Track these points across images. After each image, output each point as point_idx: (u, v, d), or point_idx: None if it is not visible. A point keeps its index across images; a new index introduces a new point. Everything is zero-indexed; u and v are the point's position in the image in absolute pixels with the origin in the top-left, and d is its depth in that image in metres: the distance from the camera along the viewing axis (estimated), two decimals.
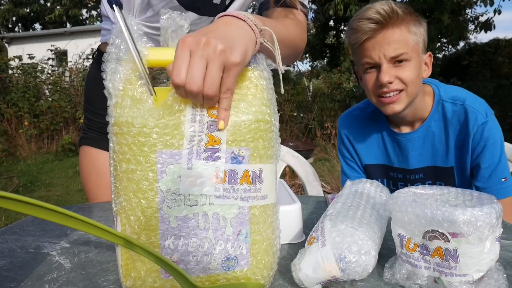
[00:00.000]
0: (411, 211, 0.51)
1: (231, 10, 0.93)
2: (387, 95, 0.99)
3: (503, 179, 1.03)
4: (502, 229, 0.51)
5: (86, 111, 1.14)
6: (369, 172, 1.20)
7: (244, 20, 0.54)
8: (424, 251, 0.51)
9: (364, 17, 0.97)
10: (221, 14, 0.56)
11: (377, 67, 0.99)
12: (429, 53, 1.05)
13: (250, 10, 1.06)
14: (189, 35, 0.48)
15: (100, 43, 1.10)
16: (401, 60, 0.97)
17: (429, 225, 0.49)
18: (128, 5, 0.91)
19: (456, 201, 0.53)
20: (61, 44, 9.75)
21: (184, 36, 0.47)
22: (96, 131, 1.08)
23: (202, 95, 0.46)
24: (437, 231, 0.49)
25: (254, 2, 0.97)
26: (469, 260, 0.49)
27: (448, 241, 0.49)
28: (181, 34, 0.49)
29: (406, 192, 0.56)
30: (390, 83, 0.97)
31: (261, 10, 0.93)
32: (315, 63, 11.73)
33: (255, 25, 0.54)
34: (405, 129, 1.11)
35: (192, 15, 0.90)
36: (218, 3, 0.87)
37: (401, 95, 0.99)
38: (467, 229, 0.48)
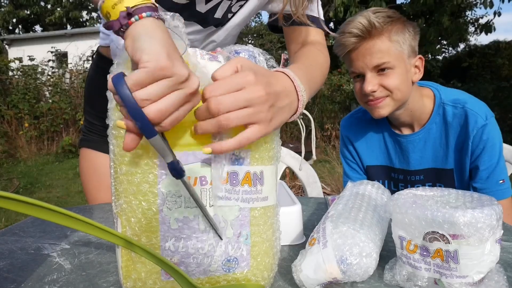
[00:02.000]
0: (411, 213, 0.51)
1: (232, 24, 0.92)
2: (372, 98, 1.03)
3: (501, 181, 1.04)
4: (502, 231, 0.51)
5: (86, 113, 1.14)
6: (371, 173, 1.20)
7: (297, 92, 0.56)
8: (425, 253, 0.51)
9: (345, 31, 1.02)
10: (282, 70, 0.57)
11: (362, 76, 1.04)
12: (419, 56, 1.07)
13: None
14: (262, 80, 0.47)
15: (99, 45, 1.10)
16: (384, 69, 1.01)
17: (430, 227, 0.49)
18: None
19: (456, 203, 0.53)
20: (61, 46, 9.76)
21: (259, 78, 0.47)
22: (96, 134, 1.08)
23: (219, 130, 0.45)
24: (438, 232, 0.49)
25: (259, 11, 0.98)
26: (470, 261, 0.49)
27: (449, 242, 0.49)
28: (178, 34, 0.49)
29: (406, 194, 0.56)
30: (374, 91, 1.01)
31: (270, 18, 0.95)
32: None
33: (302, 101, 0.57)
34: (406, 131, 1.13)
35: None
36: (203, 11, 0.86)
37: (386, 99, 1.03)
38: (467, 230, 0.47)
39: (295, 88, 0.56)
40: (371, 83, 1.01)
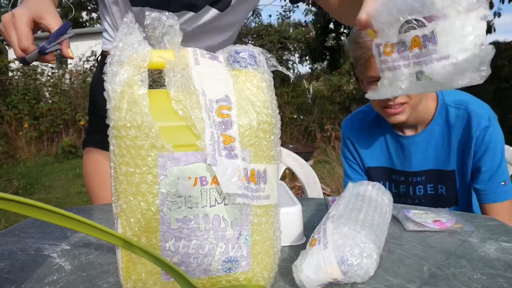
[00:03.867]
0: (383, 10, 0.48)
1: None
2: (392, 107, 1.01)
3: (503, 183, 1.04)
4: (488, 11, 0.47)
5: (90, 113, 1.15)
6: (372, 175, 1.20)
7: None
8: (402, 48, 0.49)
9: None
10: None
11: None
12: None
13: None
14: None
15: (102, 47, 1.12)
16: None
17: (405, 16, 0.47)
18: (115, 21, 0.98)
19: None
20: None
21: None
22: (100, 133, 1.09)
23: None
24: (412, 20, 0.46)
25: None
26: (449, 37, 0.45)
27: (424, 25, 0.46)
28: (173, 34, 0.49)
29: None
30: (396, 97, 0.99)
31: None
32: (315, 66, 11.75)
33: None
34: (409, 132, 1.12)
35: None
36: None
37: (405, 107, 1.01)
38: (441, 4, 0.44)
39: None
40: None
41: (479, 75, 0.48)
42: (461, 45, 0.45)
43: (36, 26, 0.80)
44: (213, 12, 0.96)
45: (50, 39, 0.79)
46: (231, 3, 0.95)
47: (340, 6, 0.88)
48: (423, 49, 0.46)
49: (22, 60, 0.79)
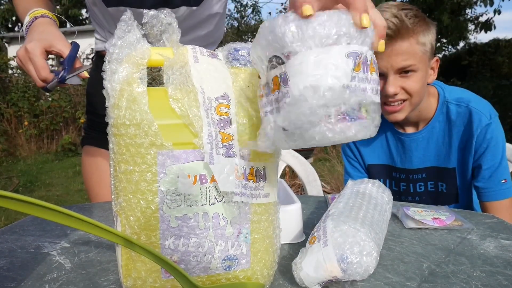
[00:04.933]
0: (253, 45, 0.43)
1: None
2: (391, 104, 1.00)
3: (503, 181, 1.04)
4: (367, 50, 0.40)
5: (88, 112, 1.16)
6: (372, 172, 1.20)
7: None
8: (268, 89, 0.42)
9: None
10: None
11: (384, 75, 1.00)
12: (436, 57, 1.05)
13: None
14: None
15: (95, 47, 1.13)
16: (408, 71, 0.98)
17: (270, 51, 0.41)
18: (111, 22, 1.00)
19: None
20: None
21: None
22: (98, 131, 1.09)
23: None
24: (274, 56, 0.40)
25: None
26: (298, 77, 0.37)
27: (283, 62, 0.39)
28: (172, 32, 0.49)
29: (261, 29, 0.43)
30: (396, 94, 0.98)
31: None
32: None
33: None
34: (409, 129, 1.12)
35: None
36: None
37: (405, 104, 1.01)
38: (290, 37, 0.38)
39: None
40: (394, 85, 0.98)
41: (351, 128, 0.39)
42: (314, 86, 0.37)
43: (48, 53, 0.86)
44: (187, 8, 0.96)
45: (64, 64, 0.86)
46: None
47: None
48: (279, 92, 0.39)
49: (44, 88, 0.86)
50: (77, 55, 0.88)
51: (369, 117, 0.40)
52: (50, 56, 0.87)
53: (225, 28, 1.13)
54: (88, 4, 1.00)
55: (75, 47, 0.88)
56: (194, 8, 0.97)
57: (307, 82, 0.37)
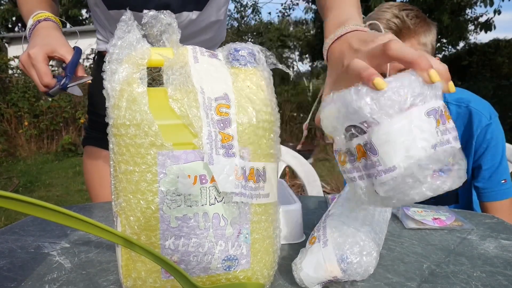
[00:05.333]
0: (328, 115, 0.45)
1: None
2: None
3: (503, 181, 1.04)
4: (439, 101, 0.42)
5: (89, 112, 1.17)
6: None
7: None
8: (351, 157, 0.44)
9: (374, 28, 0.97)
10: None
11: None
12: (437, 58, 1.05)
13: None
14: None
15: (96, 47, 1.13)
16: None
17: (346, 121, 0.43)
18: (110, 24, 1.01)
19: None
20: None
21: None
22: (99, 131, 1.09)
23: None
24: (352, 125, 0.42)
25: None
26: (387, 147, 0.39)
27: (364, 132, 0.41)
28: (172, 32, 0.49)
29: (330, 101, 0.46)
30: None
31: None
32: (315, 64, 11.74)
33: None
34: None
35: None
36: None
37: None
38: (368, 109, 0.39)
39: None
40: None
41: (446, 182, 0.40)
42: (405, 152, 0.38)
43: (50, 58, 0.86)
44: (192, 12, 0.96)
45: (66, 71, 0.86)
46: None
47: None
48: (368, 160, 0.41)
49: (46, 94, 0.86)
50: (84, 80, 0.88)
51: (457, 164, 0.42)
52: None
53: (225, 22, 1.13)
54: (90, 5, 1.00)
55: (78, 52, 0.88)
56: (195, 16, 0.97)
57: (397, 150, 0.38)
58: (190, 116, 0.46)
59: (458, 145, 0.42)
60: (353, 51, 0.50)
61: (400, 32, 0.95)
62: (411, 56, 0.42)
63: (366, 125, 0.40)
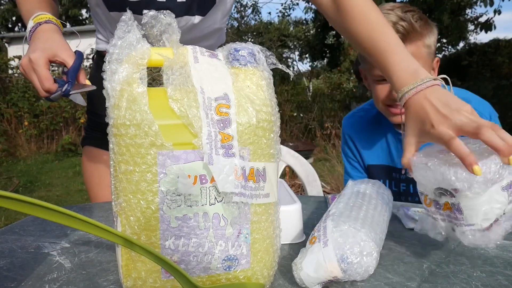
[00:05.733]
0: (420, 174, 0.56)
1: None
2: (397, 106, 1.01)
3: None
4: (510, 176, 0.53)
5: (88, 112, 1.16)
6: (372, 173, 1.20)
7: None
8: (437, 206, 0.56)
9: None
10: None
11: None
12: (437, 58, 1.05)
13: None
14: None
15: (96, 47, 1.13)
16: None
17: (435, 184, 0.54)
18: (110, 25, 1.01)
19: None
20: None
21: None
22: (99, 132, 1.09)
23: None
24: (442, 188, 0.54)
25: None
26: (471, 212, 0.52)
27: (453, 196, 0.53)
28: (172, 32, 0.49)
29: (419, 155, 0.60)
30: None
31: None
32: (315, 63, 11.74)
33: None
34: None
35: None
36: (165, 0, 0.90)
37: None
38: (462, 186, 0.51)
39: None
40: None
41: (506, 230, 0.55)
42: (484, 216, 0.52)
43: (51, 62, 0.85)
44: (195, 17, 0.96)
45: (68, 77, 0.85)
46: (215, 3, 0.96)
47: (328, 16, 0.85)
48: (452, 213, 0.54)
49: (47, 98, 0.85)
50: (86, 89, 0.87)
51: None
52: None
53: (225, 29, 1.13)
54: (91, 5, 1.00)
55: (79, 57, 0.87)
56: (197, 21, 0.97)
57: (479, 215, 0.52)
58: (190, 116, 0.46)
59: None
60: (440, 115, 0.59)
61: (408, 35, 0.94)
62: (499, 145, 0.52)
63: (455, 192, 0.52)
